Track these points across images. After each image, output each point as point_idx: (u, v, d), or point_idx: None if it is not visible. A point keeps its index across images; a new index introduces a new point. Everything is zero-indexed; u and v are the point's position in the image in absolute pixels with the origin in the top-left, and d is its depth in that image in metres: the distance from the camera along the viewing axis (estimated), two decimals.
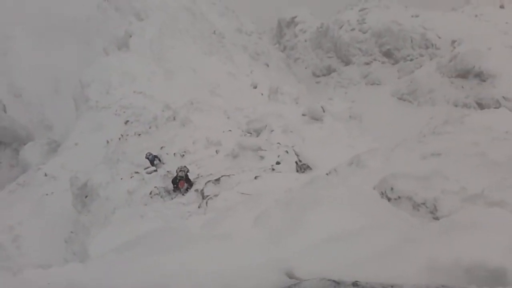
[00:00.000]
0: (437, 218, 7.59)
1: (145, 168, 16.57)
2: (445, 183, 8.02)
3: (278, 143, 16.33)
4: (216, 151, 16.94)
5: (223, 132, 18.96)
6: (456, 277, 2.98)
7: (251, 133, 19.35)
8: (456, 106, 28.52)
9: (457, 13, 38.38)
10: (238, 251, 4.01)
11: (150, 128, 21.40)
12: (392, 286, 2.77)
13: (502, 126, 11.23)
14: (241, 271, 3.36)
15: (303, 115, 21.46)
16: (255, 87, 32.89)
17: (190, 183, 13.44)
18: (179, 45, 35.78)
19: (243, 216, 5.18)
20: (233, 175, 12.21)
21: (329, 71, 43.71)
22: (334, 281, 2.91)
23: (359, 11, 44.17)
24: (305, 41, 50.30)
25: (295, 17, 54.59)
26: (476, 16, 36.53)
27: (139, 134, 20.35)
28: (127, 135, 21.23)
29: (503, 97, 26.14)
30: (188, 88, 28.78)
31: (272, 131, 18.49)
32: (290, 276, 3.33)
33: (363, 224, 4.17)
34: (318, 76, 44.44)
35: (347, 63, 42.01)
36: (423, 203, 7.62)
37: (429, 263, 3.13)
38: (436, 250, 3.26)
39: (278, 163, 13.26)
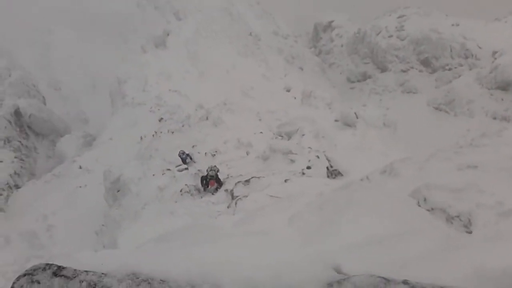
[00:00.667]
0: (470, 232, 7.42)
1: (177, 166, 16.79)
2: (480, 197, 7.82)
3: (309, 147, 16.27)
4: (247, 153, 17.03)
5: (254, 134, 19.05)
6: (506, 286, 2.93)
7: (282, 136, 19.35)
8: (494, 118, 27.72)
9: (500, 23, 37.28)
10: (278, 246, 3.99)
11: (183, 126, 21.69)
12: (442, 287, 2.75)
13: None
14: (288, 264, 3.34)
15: (336, 120, 21.33)
16: (288, 91, 32.86)
17: (220, 183, 13.56)
18: (215, 45, 36.16)
19: (276, 217, 5.14)
20: (263, 177, 12.24)
21: (364, 77, 43.24)
22: (384, 278, 2.90)
23: (398, 17, 43.52)
24: (341, 46, 49.93)
25: (332, 21, 54.30)
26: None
27: (172, 132, 20.65)
28: (161, 132, 21.60)
29: None
30: (221, 89, 29.05)
31: (303, 135, 18.41)
32: (338, 271, 3.31)
33: (400, 228, 4.12)
34: (353, 82, 44.03)
35: (383, 70, 41.43)
36: (457, 216, 7.44)
37: (477, 270, 3.08)
38: (482, 257, 3.22)
39: (308, 167, 13.21)
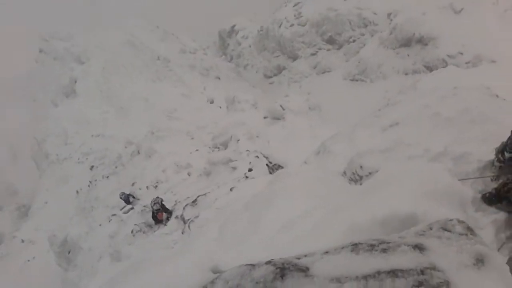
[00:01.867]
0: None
1: (121, 209, 16.30)
2: (409, 150, 8.26)
3: (247, 150, 16.38)
4: (188, 174, 16.86)
5: (191, 153, 18.89)
6: (372, 232, 3.16)
7: (218, 148, 19.34)
8: (406, 74, 29.31)
9: None
10: (182, 261, 4.35)
11: (116, 168, 21.09)
12: (305, 256, 2.93)
13: (450, 83, 11.66)
14: (176, 275, 3.79)
15: (265, 117, 21.65)
16: (212, 102, 32.89)
17: (169, 212, 13.31)
18: (126, 79, 35.44)
19: (210, 230, 5.34)
20: (208, 193, 12.17)
21: (279, 69, 44.22)
22: (250, 264, 3.07)
23: (294, 6, 44.94)
24: (249, 46, 50.74)
25: (234, 25, 55.02)
26: None
27: (107, 176, 20.03)
28: (95, 180, 20.86)
29: (447, 55, 27.05)
30: (145, 119, 28.52)
31: (238, 140, 18.52)
32: (215, 271, 3.61)
33: (311, 205, 4.30)
34: (270, 77, 44.88)
35: (294, 58, 42.60)
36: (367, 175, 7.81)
37: (350, 226, 3.33)
38: (356, 212, 3.47)
39: (250, 169, 13.31)
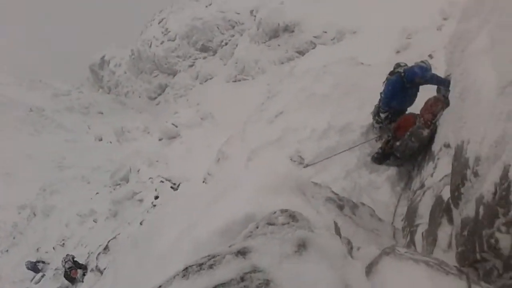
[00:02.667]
0: (306, 165, 8.12)
1: (32, 279, 14.91)
2: (297, 134, 8.57)
3: (150, 178, 15.91)
4: (94, 221, 15.93)
5: (91, 198, 17.87)
6: (213, 246, 3.03)
7: (119, 184, 18.52)
8: (282, 63, 30.46)
9: None
10: None
11: (14, 238, 19.25)
12: None
13: (320, 62, 12.31)
14: None
15: (160, 139, 21.19)
16: (101, 139, 31.48)
17: (83, 267, 12.45)
18: (3, 142, 32.53)
19: (107, 276, 5.12)
20: (118, 234, 11.60)
21: (162, 88, 43.62)
22: None
23: (159, 23, 44.59)
24: (125, 73, 49.36)
25: (104, 56, 53.14)
26: None
27: (7, 250, 18.20)
28: None
29: (314, 37, 28.60)
30: (34, 177, 26.40)
31: (138, 170, 17.92)
32: None
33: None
34: (155, 98, 44.10)
35: (174, 73, 42.29)
36: (293, 159, 8.08)
37: (195, 245, 3.18)
38: (200, 227, 3.33)
39: (156, 197, 12.94)
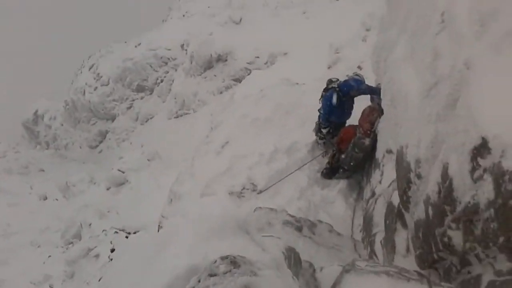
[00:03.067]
0: (260, 191, 8.12)
1: None
2: (246, 161, 8.58)
3: (104, 230, 15.29)
4: (50, 286, 15.02)
5: (44, 263, 16.86)
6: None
7: (72, 243, 17.65)
8: (221, 93, 30.62)
9: (170, 21, 40.95)
10: None
11: None
12: None
13: (257, 87, 12.48)
14: None
15: (108, 188, 20.56)
16: (45, 198, 30.01)
17: None
18: None
19: None
20: None
21: (102, 135, 42.46)
22: None
23: (90, 70, 43.70)
24: (62, 125, 47.70)
25: (36, 111, 51.18)
26: (183, 15, 39.56)
27: None
28: None
29: (247, 63, 29.04)
30: None
31: (90, 224, 17.23)
32: None
33: None
34: (97, 146, 42.79)
35: (112, 118, 41.37)
36: (239, 190, 8.08)
37: None
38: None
39: (112, 250, 12.49)
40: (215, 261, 1.72)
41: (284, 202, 7.49)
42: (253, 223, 4.96)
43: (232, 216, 2.70)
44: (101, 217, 16.85)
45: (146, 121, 37.86)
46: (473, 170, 2.86)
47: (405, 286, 2.51)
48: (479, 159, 2.78)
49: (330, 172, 7.84)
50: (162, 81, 38.63)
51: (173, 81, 36.74)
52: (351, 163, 7.35)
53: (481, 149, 2.75)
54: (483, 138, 2.73)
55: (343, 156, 7.42)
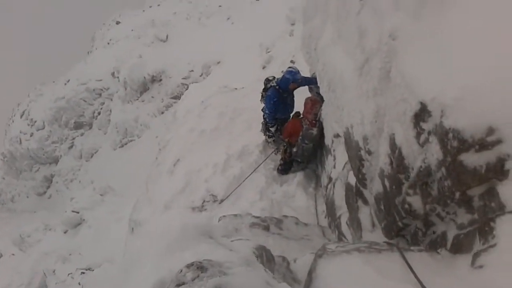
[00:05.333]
0: (221, 201, 8.07)
1: None
2: (202, 174, 8.51)
3: (69, 274, 14.73)
4: None
5: None
6: None
7: None
8: (163, 113, 30.19)
9: (96, 51, 39.99)
10: None
11: None
12: None
13: (197, 99, 12.41)
14: None
15: (65, 232, 19.90)
16: (1, 256, 28.42)
17: None
18: None
19: None
20: None
21: (48, 180, 40.60)
22: None
23: (21, 117, 41.83)
24: (3, 178, 45.25)
25: None
26: (108, 43, 38.67)
27: None
28: None
29: (183, 79, 28.86)
30: None
31: (54, 271, 16.61)
32: None
33: None
34: (45, 192, 40.83)
35: (55, 161, 39.78)
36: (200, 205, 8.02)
37: None
38: None
39: None
40: (181, 270, 1.63)
41: (247, 206, 7.48)
42: (219, 232, 4.91)
43: (192, 225, 2.63)
44: (64, 262, 16.20)
45: (91, 157, 36.69)
46: (418, 135, 2.96)
47: (377, 257, 2.57)
48: (421, 123, 2.89)
49: (286, 167, 7.92)
50: (99, 113, 37.61)
51: (110, 111, 35.88)
52: (304, 155, 7.47)
53: (422, 113, 2.86)
54: (421, 103, 2.84)
55: (294, 149, 7.52)
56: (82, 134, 38.47)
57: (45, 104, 40.13)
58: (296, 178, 7.75)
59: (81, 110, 38.14)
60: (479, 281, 2.27)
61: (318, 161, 7.56)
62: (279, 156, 8.13)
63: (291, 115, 8.00)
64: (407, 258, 2.58)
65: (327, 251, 2.69)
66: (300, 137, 7.27)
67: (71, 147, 38.73)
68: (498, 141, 2.51)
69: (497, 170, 2.56)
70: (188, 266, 1.60)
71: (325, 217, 6.49)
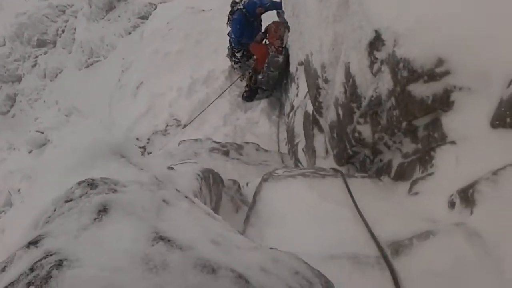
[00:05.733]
0: (184, 126, 8.05)
1: None
2: (163, 100, 8.39)
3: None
4: None
5: None
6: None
7: (3, 211, 16.90)
8: (130, 33, 29.09)
9: None
10: None
11: None
12: None
13: (164, 20, 11.90)
14: None
15: (30, 151, 19.63)
16: None
17: None
18: None
19: None
20: None
21: (11, 99, 38.85)
22: None
23: None
24: None
25: None
26: None
27: None
28: None
29: None
30: None
31: (19, 190, 16.57)
32: None
33: None
34: (8, 111, 39.43)
35: (18, 79, 38.10)
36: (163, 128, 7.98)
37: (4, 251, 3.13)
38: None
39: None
40: (71, 187, 1.58)
41: (211, 131, 7.53)
42: (179, 156, 4.96)
43: (104, 143, 2.56)
44: (29, 181, 16.14)
45: (56, 76, 35.42)
46: (371, 64, 2.96)
47: (320, 182, 2.65)
48: (375, 52, 2.88)
49: (251, 94, 7.90)
50: (63, 31, 35.82)
51: (75, 29, 34.20)
52: (269, 83, 7.42)
53: (376, 42, 2.84)
54: (376, 31, 2.81)
55: (260, 76, 7.46)
56: (45, 53, 36.85)
57: (5, 19, 37.84)
58: (260, 105, 7.77)
59: (44, 27, 36.20)
60: (413, 206, 2.39)
61: (283, 89, 7.54)
62: (244, 83, 8.07)
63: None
64: (351, 185, 2.67)
65: (273, 176, 2.76)
66: (266, 65, 7.18)
67: (34, 65, 37.20)
68: (446, 72, 2.54)
69: (443, 101, 2.61)
70: (80, 183, 1.54)
71: (286, 145, 6.61)
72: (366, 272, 1.76)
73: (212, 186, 2.72)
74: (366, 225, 2.06)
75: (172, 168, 2.58)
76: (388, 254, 1.82)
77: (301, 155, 5.02)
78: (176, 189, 1.51)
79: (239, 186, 3.32)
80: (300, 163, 5.02)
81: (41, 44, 36.87)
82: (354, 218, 2.20)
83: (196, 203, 1.47)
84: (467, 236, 1.78)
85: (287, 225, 2.26)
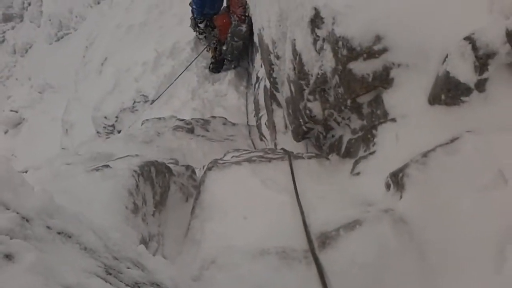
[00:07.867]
0: (152, 101, 7.93)
1: None
2: (132, 72, 8.22)
3: None
4: None
5: None
6: None
7: None
8: (99, 3, 28.13)
9: None
10: None
11: None
12: None
13: None
14: None
15: (6, 132, 19.33)
16: None
17: None
18: None
19: None
20: None
21: None
22: None
23: None
24: None
25: None
26: None
27: None
28: None
29: None
30: None
31: None
32: None
33: None
34: None
35: None
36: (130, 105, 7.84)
37: None
38: None
39: None
40: None
41: (179, 106, 7.42)
42: (140, 137, 4.89)
43: None
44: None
45: (26, 52, 34.30)
46: (315, 42, 2.91)
47: (265, 167, 2.65)
48: (316, 30, 2.82)
49: (217, 66, 7.75)
50: (29, 4, 34.45)
51: (42, 1, 32.90)
52: (234, 53, 7.28)
53: (316, 19, 2.78)
54: (315, 9, 2.75)
55: (224, 47, 7.30)
56: (13, 28, 35.54)
57: None
58: (228, 76, 7.64)
59: (8, 1, 34.83)
60: (353, 187, 2.41)
61: (250, 59, 7.42)
62: (210, 54, 7.91)
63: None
64: (296, 167, 2.67)
65: (218, 164, 2.74)
66: (229, 35, 7.01)
67: (2, 41, 35.92)
68: (384, 50, 2.51)
69: (382, 79, 2.60)
70: None
71: (254, 116, 6.56)
72: (294, 268, 1.78)
73: (156, 178, 2.69)
74: (302, 213, 2.07)
75: (107, 166, 2.53)
76: (315, 246, 1.84)
77: (264, 129, 5.00)
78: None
79: (192, 171, 3.29)
80: (264, 137, 5.01)
81: (7, 18, 35.49)
82: (292, 205, 2.20)
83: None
84: (393, 224, 1.80)
85: (227, 217, 2.27)
